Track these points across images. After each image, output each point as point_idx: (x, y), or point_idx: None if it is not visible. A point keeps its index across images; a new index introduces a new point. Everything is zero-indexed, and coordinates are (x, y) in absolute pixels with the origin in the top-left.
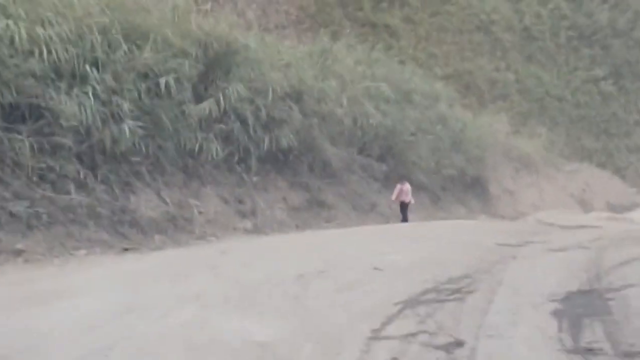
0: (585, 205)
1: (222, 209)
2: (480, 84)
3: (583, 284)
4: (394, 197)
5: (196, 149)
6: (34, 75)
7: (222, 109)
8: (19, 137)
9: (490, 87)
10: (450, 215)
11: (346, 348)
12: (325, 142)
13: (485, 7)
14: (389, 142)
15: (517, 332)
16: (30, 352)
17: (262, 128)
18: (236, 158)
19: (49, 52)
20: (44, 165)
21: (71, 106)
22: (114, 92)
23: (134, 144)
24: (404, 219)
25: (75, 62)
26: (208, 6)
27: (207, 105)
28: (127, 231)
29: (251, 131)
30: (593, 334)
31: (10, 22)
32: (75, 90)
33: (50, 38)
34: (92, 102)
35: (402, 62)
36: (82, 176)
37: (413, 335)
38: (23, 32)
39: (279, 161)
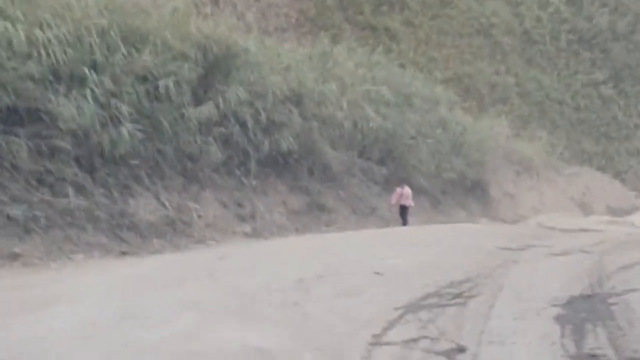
0: (586, 209)
1: (222, 212)
2: (481, 88)
3: (585, 288)
4: (393, 200)
5: (195, 152)
6: (32, 78)
7: (221, 113)
8: (17, 140)
9: (491, 91)
10: (450, 218)
11: (347, 355)
12: (325, 146)
13: (485, 10)
14: (389, 145)
15: (520, 338)
16: None
17: (262, 131)
18: (236, 162)
19: (47, 54)
20: (42, 169)
21: (69, 109)
22: (113, 95)
23: (132, 148)
24: (404, 223)
25: (74, 65)
26: (208, 9)
27: (206, 109)
28: (125, 235)
29: (251, 134)
30: (596, 339)
31: (8, 24)
32: (74, 93)
33: (49, 40)
34: (91, 105)
35: (402, 66)
36: (80, 179)
37: (415, 341)
38: (21, 34)
39: (279, 165)
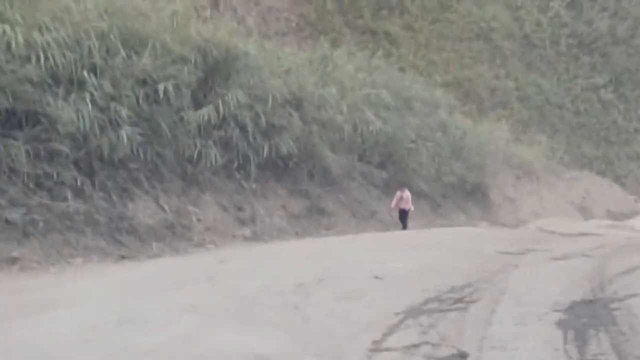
0: (586, 213)
1: (221, 216)
2: (480, 92)
3: (587, 293)
4: (393, 204)
5: (195, 155)
6: (30, 81)
7: (221, 116)
8: (15, 143)
9: (490, 95)
10: (450, 222)
11: None
12: (325, 149)
13: (485, 14)
14: (389, 149)
15: (522, 344)
16: None
17: (262, 135)
18: (235, 165)
19: (46, 57)
20: (40, 172)
21: (68, 112)
22: (112, 98)
23: (132, 151)
24: (404, 227)
25: (73, 68)
26: (207, 13)
27: (206, 112)
28: (124, 239)
29: (250, 138)
30: (599, 345)
31: (7, 27)
32: (73, 97)
33: (48, 43)
34: (90, 109)
35: (402, 70)
36: (79, 183)
37: (415, 346)
38: (20, 37)
39: (279, 168)
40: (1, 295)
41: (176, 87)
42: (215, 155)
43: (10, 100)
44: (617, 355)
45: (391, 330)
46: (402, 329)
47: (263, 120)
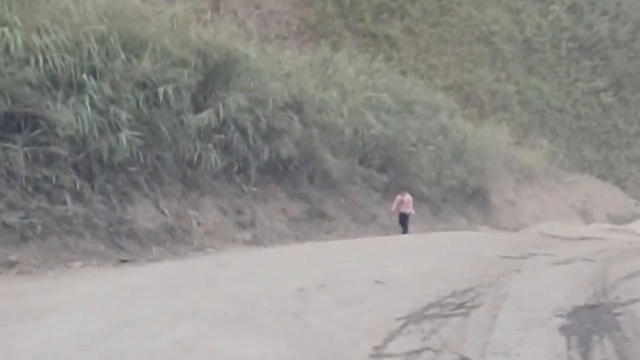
0: (586, 217)
1: (221, 220)
2: (481, 95)
3: (589, 298)
4: (393, 208)
5: (195, 159)
6: (29, 84)
7: (221, 119)
8: (14, 146)
9: (491, 98)
10: (451, 226)
11: None
12: (325, 153)
13: (485, 18)
14: (390, 152)
15: (525, 350)
16: None
17: (262, 138)
18: (235, 168)
19: (45, 60)
20: (39, 176)
21: (67, 115)
22: (112, 101)
23: (131, 154)
24: (404, 231)
25: (72, 71)
26: (208, 16)
27: (206, 115)
28: (124, 242)
29: (251, 141)
30: (603, 351)
31: (6, 29)
32: (72, 99)
33: (47, 46)
34: (89, 112)
35: (402, 73)
36: (78, 186)
37: (417, 352)
38: (19, 39)
39: (279, 172)
40: None
41: (176, 90)
42: (216, 159)
43: (9, 103)
44: None
45: (392, 336)
46: (403, 335)
47: (263, 124)
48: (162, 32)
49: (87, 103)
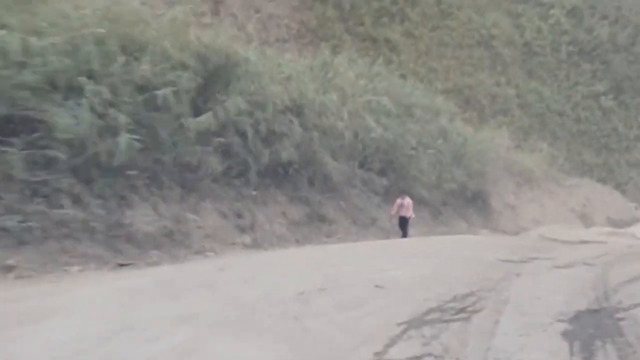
0: (586, 220)
1: (221, 223)
2: (481, 99)
3: (591, 302)
4: (393, 212)
5: (194, 162)
6: (27, 87)
7: (221, 123)
8: (12, 150)
9: (491, 102)
10: (451, 229)
11: None
12: (325, 156)
13: (485, 22)
14: (390, 156)
15: (527, 356)
16: None
17: (262, 142)
18: (235, 172)
19: (44, 63)
20: (37, 179)
21: (66, 119)
22: (111, 104)
23: (130, 158)
24: (404, 234)
25: (71, 74)
26: (207, 19)
27: (205, 119)
28: (122, 246)
29: (251, 145)
30: (606, 357)
31: (4, 32)
32: (71, 103)
33: (45, 49)
34: (88, 115)
35: (402, 77)
36: (76, 190)
37: (418, 358)
38: (17, 42)
39: (279, 175)
40: None
41: (175, 93)
42: (215, 162)
43: (7, 106)
44: None
45: (393, 341)
46: (404, 340)
47: (263, 127)
48: (162, 35)
49: (85, 106)
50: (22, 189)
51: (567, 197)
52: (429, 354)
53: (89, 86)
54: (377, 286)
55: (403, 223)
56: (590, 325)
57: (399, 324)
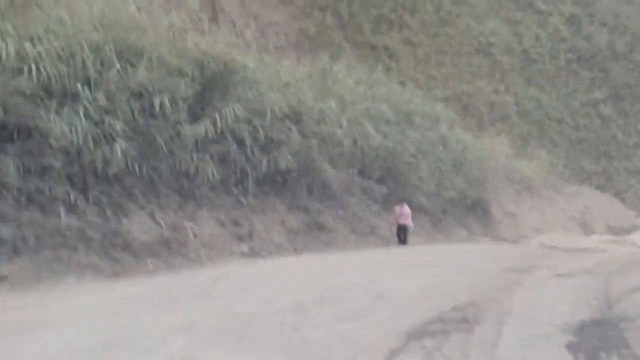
0: (586, 228)
1: (218, 232)
2: (480, 107)
3: (595, 312)
4: (392, 220)
5: (192, 170)
6: (22, 94)
7: (218, 130)
8: (6, 157)
9: (490, 110)
10: (451, 238)
11: None
12: (324, 164)
13: (484, 29)
14: (389, 163)
15: None
16: None
17: (260, 149)
18: (233, 180)
19: (39, 69)
20: (32, 187)
21: (61, 126)
22: (107, 111)
23: (126, 165)
24: (403, 243)
25: (66, 81)
26: (205, 26)
27: (203, 126)
28: (119, 255)
29: (249, 152)
30: None
31: None
32: (66, 110)
33: (40, 55)
34: (84, 122)
35: (402, 84)
36: (72, 198)
37: None
38: (11, 48)
39: (277, 183)
40: None
41: (172, 100)
42: (213, 170)
43: (1, 113)
44: None
45: (393, 353)
46: (405, 352)
47: (261, 135)
48: (159, 42)
49: (81, 113)
50: (16, 197)
51: (567, 205)
52: None
53: (85, 93)
54: (376, 296)
55: (402, 231)
56: (595, 336)
57: (399, 335)
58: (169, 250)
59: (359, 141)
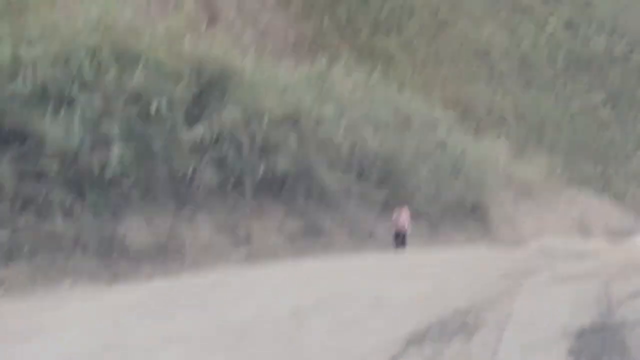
0: (585, 231)
1: (215, 236)
2: (478, 110)
3: (595, 317)
4: (392, 224)
5: (189, 174)
6: (18, 98)
7: (216, 134)
8: (2, 162)
9: (488, 113)
10: (449, 241)
11: None
12: (322, 168)
13: (482, 33)
14: (388, 167)
15: None
16: None
17: (258, 153)
18: (230, 184)
19: (34, 73)
20: (28, 192)
21: (57, 130)
22: (103, 115)
23: (123, 170)
24: (401, 247)
25: (62, 85)
26: (203, 29)
27: (200, 130)
28: (115, 260)
29: (246, 156)
30: None
31: None
32: (62, 114)
33: (36, 59)
34: (80, 126)
35: (400, 88)
36: (68, 203)
37: None
38: (7, 52)
39: (275, 187)
40: None
41: (169, 104)
42: (210, 174)
43: None
44: None
45: None
46: (404, 358)
47: (259, 139)
48: (156, 45)
49: (77, 117)
50: (12, 201)
51: (566, 208)
52: None
53: (81, 97)
54: (375, 301)
55: (399, 236)
56: (596, 342)
57: (399, 342)
58: (166, 256)
59: (357, 145)
